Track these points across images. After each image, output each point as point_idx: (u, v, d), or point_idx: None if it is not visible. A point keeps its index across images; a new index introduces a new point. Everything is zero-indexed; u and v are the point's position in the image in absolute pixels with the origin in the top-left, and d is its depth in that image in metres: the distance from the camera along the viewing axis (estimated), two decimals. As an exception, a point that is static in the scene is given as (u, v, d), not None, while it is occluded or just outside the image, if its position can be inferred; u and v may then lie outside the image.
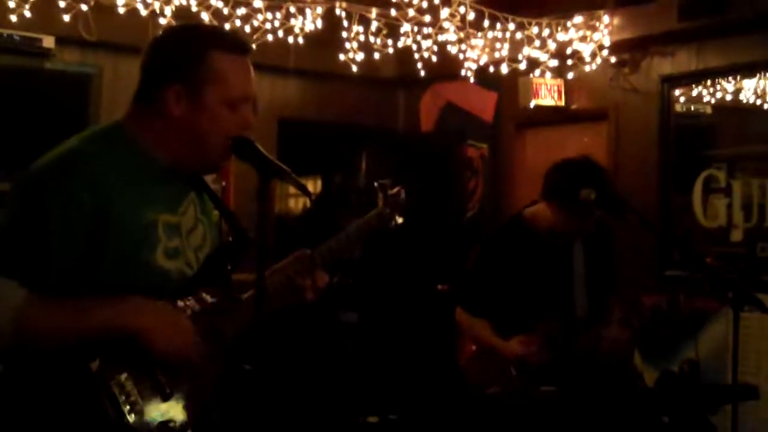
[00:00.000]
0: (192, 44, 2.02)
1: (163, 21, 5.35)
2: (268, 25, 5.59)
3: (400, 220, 2.58)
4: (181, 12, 5.34)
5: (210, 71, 1.98)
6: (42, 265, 1.83)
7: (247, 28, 5.52)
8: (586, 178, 3.30)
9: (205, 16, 5.36)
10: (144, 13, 5.34)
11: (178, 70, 1.99)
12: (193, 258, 2.10)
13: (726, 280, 3.05)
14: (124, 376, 1.85)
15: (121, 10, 5.32)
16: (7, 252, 1.83)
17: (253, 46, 5.55)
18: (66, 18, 5.27)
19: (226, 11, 5.38)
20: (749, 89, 5.36)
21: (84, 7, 5.26)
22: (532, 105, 6.26)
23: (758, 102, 5.31)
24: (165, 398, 1.90)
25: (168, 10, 5.33)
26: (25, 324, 1.79)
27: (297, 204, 9.04)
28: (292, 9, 5.56)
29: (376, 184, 2.60)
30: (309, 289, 2.21)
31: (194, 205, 2.14)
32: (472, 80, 6.31)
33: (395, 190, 2.58)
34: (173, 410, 1.92)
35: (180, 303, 2.00)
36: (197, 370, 1.97)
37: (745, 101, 5.39)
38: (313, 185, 9.26)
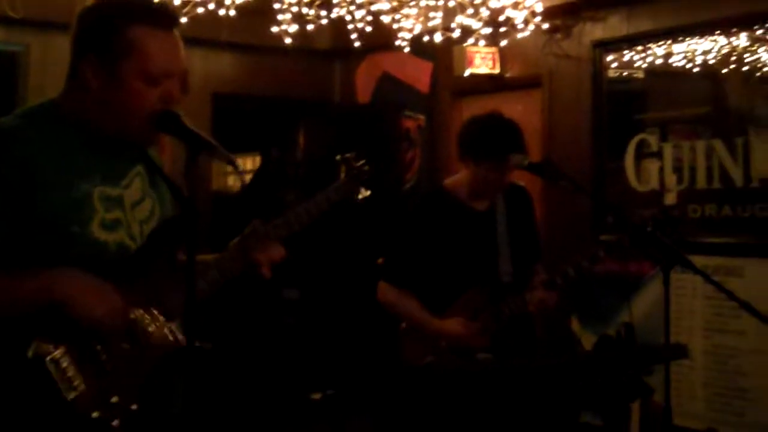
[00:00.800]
0: (110, 16, 1.99)
1: (88, -5, 5.22)
2: (198, -2, 5.49)
3: (367, 192, 2.61)
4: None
5: (126, 44, 1.95)
6: None
7: (177, 1, 5.41)
8: (500, 131, 3.44)
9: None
10: (68, -14, 5.21)
11: (94, 42, 1.97)
12: (137, 231, 2.08)
13: (656, 241, 3.10)
14: (59, 352, 1.84)
15: (46, -15, 5.20)
16: None
17: (184, 19, 5.48)
18: (-12, -5, 5.13)
19: (153, -16, 5.26)
20: (679, 53, 5.42)
21: (6, -17, 5.11)
22: (467, 74, 6.26)
23: (688, 65, 5.37)
24: (104, 372, 1.89)
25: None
26: None
27: (235, 181, 8.96)
28: (223, -19, 5.47)
29: (338, 157, 2.64)
30: (264, 263, 2.20)
31: (141, 178, 2.12)
32: (407, 50, 6.28)
33: (359, 163, 2.62)
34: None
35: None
36: (136, 342, 1.96)
37: (675, 65, 5.44)
38: (252, 161, 9.19)
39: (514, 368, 2.71)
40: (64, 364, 1.84)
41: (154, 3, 2.10)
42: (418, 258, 3.54)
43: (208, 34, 6.30)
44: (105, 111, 1.98)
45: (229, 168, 8.25)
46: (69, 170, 1.94)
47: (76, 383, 1.84)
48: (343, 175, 2.60)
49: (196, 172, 1.89)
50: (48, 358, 1.82)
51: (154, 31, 1.98)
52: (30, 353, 1.81)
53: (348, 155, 2.65)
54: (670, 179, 5.35)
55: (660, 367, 3.13)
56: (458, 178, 3.66)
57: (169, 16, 2.04)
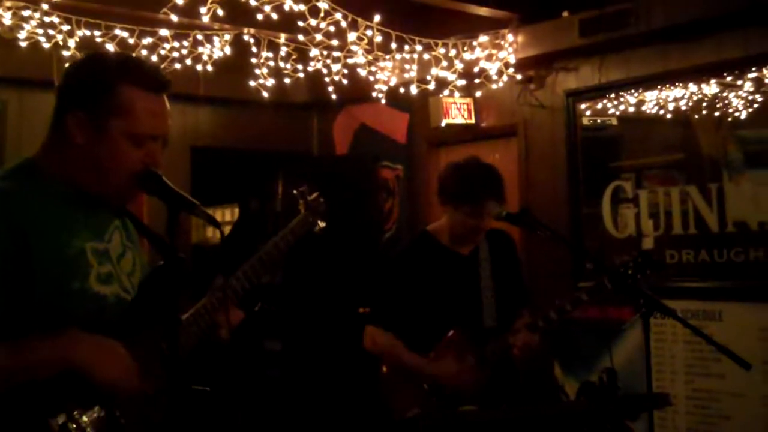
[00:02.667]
0: (101, 73, 2.00)
1: (66, 53, 5.26)
2: (175, 54, 5.55)
3: (322, 224, 2.63)
4: (85, 43, 5.25)
5: (116, 103, 1.97)
6: None
7: (155, 58, 5.46)
8: (476, 176, 3.50)
9: (110, 47, 5.29)
10: (47, 46, 5.24)
11: (83, 98, 1.98)
12: (127, 283, 2.09)
13: (633, 288, 3.13)
14: (76, 413, 1.84)
15: (24, 44, 5.22)
16: None
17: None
18: (-34, 54, 5.15)
19: (131, 41, 5.32)
20: (651, 101, 5.51)
21: (-16, 43, 5.14)
22: (443, 124, 6.33)
23: (661, 112, 5.46)
24: (120, 429, 1.90)
25: (72, 42, 5.24)
26: None
27: (215, 232, 8.95)
28: (200, 36, 5.53)
29: (294, 191, 2.66)
30: (223, 326, 2.19)
31: (120, 232, 2.13)
32: (383, 102, 6.36)
33: (314, 195, 2.64)
34: None
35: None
36: (145, 397, 1.97)
37: (648, 112, 5.53)
38: (231, 213, 9.19)
39: (501, 419, 2.71)
40: (83, 424, 1.84)
41: (147, 65, 2.12)
42: (402, 301, 3.56)
43: (186, 88, 6.34)
44: (88, 167, 1.98)
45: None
46: (60, 228, 1.94)
47: None
48: (302, 210, 2.63)
49: (177, 231, 1.92)
50: (66, 421, 1.82)
51: (145, 93, 2.00)
52: (60, 421, 1.80)
53: (302, 189, 2.68)
54: (647, 225, 5.41)
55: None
56: (440, 223, 3.71)
57: (161, 80, 2.06)
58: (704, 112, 5.25)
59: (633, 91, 5.56)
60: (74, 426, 1.82)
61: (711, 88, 5.21)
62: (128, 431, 1.91)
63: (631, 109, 5.61)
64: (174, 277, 1.95)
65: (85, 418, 1.85)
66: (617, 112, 5.69)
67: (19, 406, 1.81)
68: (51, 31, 5.18)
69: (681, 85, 5.32)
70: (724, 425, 4.96)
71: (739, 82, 5.08)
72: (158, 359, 2.00)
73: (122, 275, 2.09)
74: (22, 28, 5.12)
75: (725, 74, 5.12)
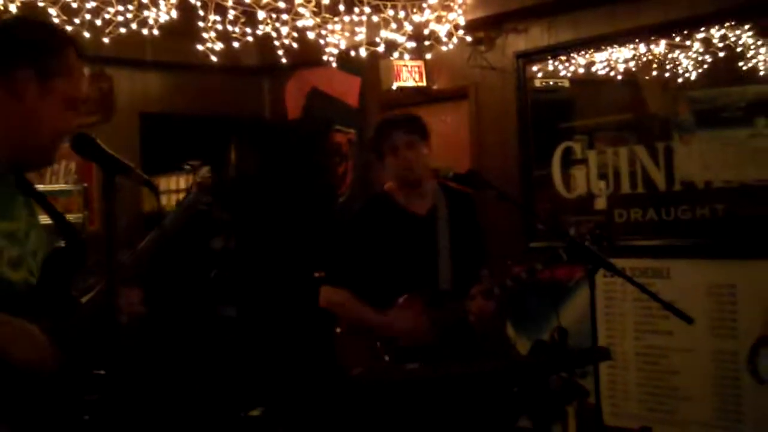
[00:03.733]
0: (50, 35, 2.05)
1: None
2: (120, 18, 5.43)
3: (209, 198, 2.59)
4: (27, 7, 5.12)
5: (63, 65, 2.01)
6: None
7: (99, 22, 5.35)
8: (382, 120, 3.83)
9: (53, 12, 5.17)
10: (-12, 9, 5.11)
11: (33, 55, 1.99)
12: (33, 264, 2.05)
13: (582, 248, 3.16)
14: None
15: (-38, 9, 5.09)
16: None
17: (106, 40, 5.42)
18: None
19: (75, 5, 5.21)
20: (601, 62, 5.53)
21: None
22: (394, 87, 6.30)
23: (611, 74, 5.49)
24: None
25: (13, 7, 5.10)
26: None
27: (169, 201, 8.86)
28: (145, 0, 5.42)
29: (187, 166, 2.62)
30: (123, 309, 2.11)
31: (24, 208, 2.09)
32: (334, 65, 6.30)
33: (203, 170, 2.59)
34: None
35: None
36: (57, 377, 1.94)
37: (598, 73, 5.55)
38: (185, 180, 9.09)
39: (442, 376, 2.73)
40: None
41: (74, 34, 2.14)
42: (358, 261, 3.57)
43: (132, 54, 6.25)
44: (23, 126, 1.98)
45: (170, 185, 8.21)
46: None
47: None
48: (193, 188, 2.58)
49: (113, 194, 1.91)
50: None
51: (80, 59, 2.06)
52: None
53: (194, 163, 2.64)
54: (597, 185, 5.45)
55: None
56: (391, 183, 3.74)
57: (84, 50, 2.12)
58: (653, 72, 5.28)
59: (582, 52, 5.57)
60: None
61: (659, 48, 5.24)
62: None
63: (581, 71, 5.63)
64: (75, 261, 1.98)
65: None
66: (568, 74, 5.71)
67: None
68: (-10, -5, 5.05)
69: (630, 45, 5.35)
70: (673, 379, 5.05)
71: (688, 43, 5.11)
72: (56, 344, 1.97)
73: (29, 256, 2.04)
74: (-40, -7, 4.99)
75: (673, 34, 5.15)
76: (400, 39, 5.87)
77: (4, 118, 1.98)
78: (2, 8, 5.10)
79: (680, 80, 5.17)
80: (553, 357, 3.04)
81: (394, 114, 3.78)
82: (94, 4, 5.25)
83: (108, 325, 1.94)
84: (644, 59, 5.33)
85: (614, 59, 5.48)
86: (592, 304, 3.02)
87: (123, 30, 5.48)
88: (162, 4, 5.46)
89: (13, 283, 1.95)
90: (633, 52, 5.36)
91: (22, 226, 2.05)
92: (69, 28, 5.26)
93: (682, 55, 5.16)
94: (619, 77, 5.46)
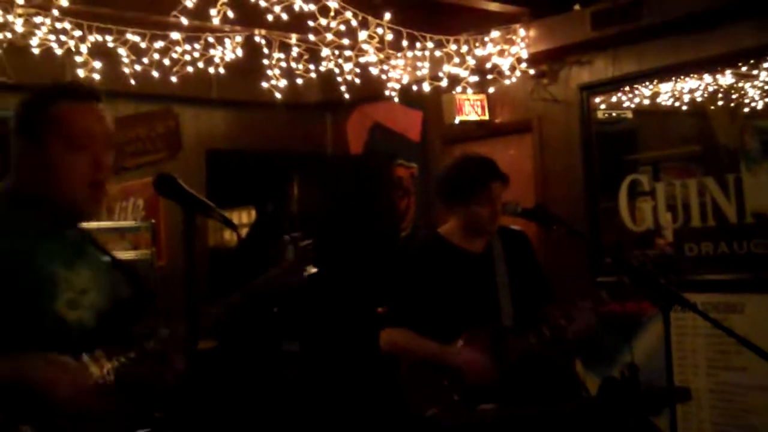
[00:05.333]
0: (36, 101, 2.11)
1: (79, 59, 5.27)
2: (187, 57, 5.55)
3: (313, 269, 2.60)
4: (97, 48, 5.27)
5: (49, 122, 2.06)
6: None
7: (167, 61, 5.47)
8: (475, 164, 3.54)
9: (123, 52, 5.29)
10: (59, 52, 5.25)
11: (24, 126, 2.09)
12: (91, 314, 2.11)
13: (653, 283, 3.10)
14: (26, 429, 1.84)
15: (37, 51, 5.23)
16: None
17: (174, 79, 5.53)
18: (-20, 62, 5.16)
19: (143, 45, 5.33)
20: (666, 93, 5.47)
21: (-2, 50, 5.15)
22: (457, 121, 6.30)
23: (676, 104, 5.42)
24: None
25: (84, 48, 5.25)
26: None
27: (232, 235, 8.94)
28: (211, 39, 5.52)
29: (287, 237, 2.62)
30: (169, 375, 2.16)
31: (88, 269, 2.16)
32: (396, 100, 6.34)
33: (305, 243, 2.60)
34: None
35: (85, 357, 1.98)
36: (102, 421, 1.96)
37: (663, 104, 5.49)
38: (248, 214, 9.19)
39: (520, 418, 2.69)
40: None
41: (75, 82, 2.21)
42: (418, 303, 3.53)
43: (199, 92, 6.37)
44: (45, 185, 2.06)
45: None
46: (34, 251, 2.00)
47: None
48: (290, 256, 2.59)
49: (193, 232, 1.93)
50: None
51: (76, 103, 2.10)
52: None
53: (295, 234, 2.65)
54: (665, 218, 5.36)
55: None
56: (449, 226, 3.67)
57: (88, 90, 2.16)
58: (720, 102, 5.21)
59: (647, 83, 5.52)
60: None
61: (726, 78, 5.16)
62: None
63: (646, 102, 5.57)
64: (140, 309, 2.02)
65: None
66: (632, 105, 5.65)
67: None
68: (63, 37, 5.19)
69: (695, 76, 5.28)
70: (749, 418, 4.91)
71: (755, 72, 5.04)
72: (112, 384, 2.01)
73: (87, 307, 2.11)
74: (35, 35, 5.13)
75: (740, 64, 5.07)
76: (462, 73, 5.88)
77: (31, 182, 2.08)
78: (73, 49, 5.24)
79: (747, 110, 5.09)
80: (632, 398, 2.97)
81: (480, 157, 3.65)
82: (162, 44, 5.37)
83: (187, 354, 1.98)
84: (710, 89, 5.26)
85: (679, 90, 5.41)
86: (666, 341, 2.95)
87: (190, 69, 5.59)
88: (228, 43, 5.56)
89: (66, 322, 2.02)
90: (699, 82, 5.30)
91: (81, 281, 2.12)
92: (138, 67, 5.39)
93: (749, 84, 5.08)
94: (685, 108, 5.39)
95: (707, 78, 5.24)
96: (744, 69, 5.08)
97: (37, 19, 5.02)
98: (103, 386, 1.97)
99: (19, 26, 4.99)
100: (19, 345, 1.90)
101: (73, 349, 1.98)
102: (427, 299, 3.52)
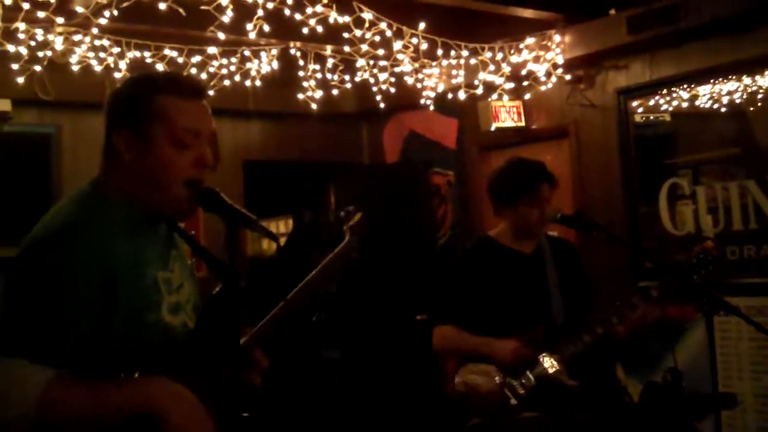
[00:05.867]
0: (139, 90, 2.04)
1: (118, 75, 5.34)
2: (224, 71, 5.62)
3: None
4: (136, 64, 5.34)
5: (154, 113, 1.99)
6: (56, 342, 1.80)
7: (204, 75, 5.54)
8: (524, 167, 3.62)
9: (161, 67, 5.36)
10: (98, 69, 5.33)
11: (125, 117, 2.01)
12: (189, 313, 2.11)
13: (696, 287, 3.08)
14: None
15: (76, 68, 5.32)
16: (20, 330, 1.81)
17: (211, 92, 5.59)
18: (21, 80, 5.25)
19: (181, 60, 5.39)
20: (705, 95, 5.42)
21: (38, 68, 5.23)
22: (493, 128, 6.29)
23: (715, 106, 5.37)
24: None
25: (123, 64, 5.32)
26: (48, 408, 1.75)
27: (270, 245, 9.00)
28: (247, 53, 5.59)
29: (342, 213, 2.64)
30: (254, 376, 2.16)
31: (180, 262, 2.15)
32: (431, 108, 6.35)
33: (357, 217, 2.62)
34: None
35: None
36: None
37: (701, 107, 5.44)
38: (285, 225, 9.25)
39: (565, 424, 2.68)
40: None
41: (182, 75, 2.15)
42: (470, 303, 3.55)
43: (235, 104, 6.42)
44: (142, 182, 2.00)
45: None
46: (136, 256, 1.95)
47: None
48: (347, 236, 2.60)
49: (236, 246, 1.92)
50: None
51: (182, 99, 2.03)
52: None
53: (349, 209, 2.66)
54: (706, 221, 5.31)
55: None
56: (499, 229, 3.71)
57: (195, 86, 2.09)
58: (759, 104, 5.15)
59: (685, 86, 5.47)
60: None
61: (765, 79, 5.10)
62: None
63: (685, 105, 5.53)
64: (235, 305, 1.94)
65: None
66: (670, 108, 5.61)
67: None
68: (102, 54, 5.27)
69: (734, 78, 5.23)
70: (794, 423, 4.85)
71: (794, 72, 4.98)
72: (217, 390, 1.98)
73: (185, 304, 2.10)
74: (74, 53, 5.22)
75: (779, 65, 5.02)
76: (498, 80, 5.88)
77: (124, 183, 2.02)
78: (112, 66, 5.32)
79: (787, 111, 5.03)
80: (677, 403, 2.95)
81: (529, 159, 3.69)
82: (199, 58, 5.43)
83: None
84: (749, 91, 5.20)
85: (718, 92, 5.36)
86: (711, 346, 2.94)
87: (227, 82, 5.66)
88: (264, 55, 5.62)
89: (173, 328, 2.00)
90: (737, 84, 5.24)
91: (177, 278, 2.10)
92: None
93: (788, 85, 5.02)
94: (724, 110, 5.34)
95: (746, 80, 5.19)
96: (783, 70, 5.03)
97: (76, 37, 5.10)
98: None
99: (59, 44, 5.07)
100: (128, 361, 1.87)
101: (180, 352, 1.97)
102: (480, 299, 3.54)
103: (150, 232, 2.06)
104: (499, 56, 5.80)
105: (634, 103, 5.73)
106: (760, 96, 5.14)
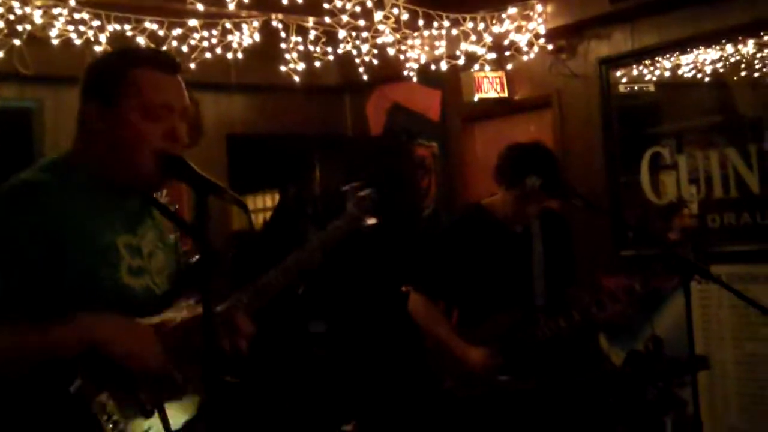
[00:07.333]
0: (113, 63, 2.07)
1: (98, 49, 5.30)
2: (205, 43, 5.58)
3: (372, 220, 2.63)
4: (116, 38, 5.29)
5: (127, 84, 2.01)
6: None
7: (185, 48, 5.50)
8: (532, 162, 3.47)
9: (141, 40, 5.32)
10: (78, 42, 5.29)
11: (98, 87, 2.04)
12: (158, 280, 2.12)
13: (676, 256, 3.10)
14: (104, 396, 1.85)
15: (56, 42, 5.27)
16: None
17: (192, 65, 5.56)
18: (0, 54, 5.20)
19: (161, 33, 5.35)
20: (687, 64, 5.42)
21: (17, 42, 5.19)
22: (476, 99, 6.29)
23: (698, 76, 5.37)
24: (146, 415, 1.91)
25: (103, 37, 5.28)
26: None
27: (256, 219, 9.00)
28: (228, 25, 5.55)
29: (345, 188, 2.66)
30: (239, 338, 2.16)
31: (153, 231, 2.17)
32: (414, 80, 6.33)
33: (365, 192, 2.64)
34: (156, 427, 1.93)
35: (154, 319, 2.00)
36: (176, 384, 1.98)
37: (684, 76, 5.44)
38: (271, 198, 9.23)
39: (536, 388, 2.70)
40: (109, 408, 1.84)
41: (156, 50, 2.17)
42: (452, 271, 3.56)
43: (217, 78, 6.38)
44: (113, 152, 2.02)
45: (250, 208, 8.33)
46: (91, 220, 1.97)
47: (120, 426, 1.85)
48: (349, 206, 2.62)
49: (205, 214, 1.91)
50: (94, 402, 1.83)
51: (154, 72, 2.05)
52: (72, 389, 1.81)
53: (354, 184, 2.68)
54: (688, 190, 5.33)
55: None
56: (496, 198, 3.70)
57: (169, 61, 2.11)
58: (742, 73, 5.16)
59: (667, 55, 5.47)
60: (97, 400, 1.84)
61: (747, 47, 5.11)
62: (149, 409, 1.93)
63: (667, 74, 5.53)
64: (208, 271, 1.93)
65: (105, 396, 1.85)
66: (653, 78, 5.61)
67: (44, 384, 1.83)
68: (82, 28, 5.22)
69: (716, 46, 5.23)
70: (775, 389, 4.90)
71: (776, 41, 4.98)
72: (190, 351, 2.00)
73: (154, 273, 2.11)
74: (53, 26, 5.17)
75: (761, 33, 5.02)
76: (480, 51, 5.87)
77: (94, 153, 2.04)
78: (92, 39, 5.27)
79: (769, 80, 5.04)
80: (648, 367, 2.98)
81: (533, 153, 3.57)
82: (180, 31, 5.40)
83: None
84: (732, 60, 5.20)
85: (700, 61, 5.36)
86: (688, 313, 2.96)
87: (208, 55, 5.62)
88: (245, 28, 5.58)
89: (131, 289, 2.02)
90: (720, 53, 5.24)
91: (148, 245, 2.13)
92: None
93: (771, 54, 5.03)
94: (707, 79, 5.34)
95: (728, 48, 5.19)
96: (766, 38, 5.02)
97: (56, 11, 5.06)
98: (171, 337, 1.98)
99: (37, 18, 5.03)
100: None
101: (140, 311, 1.98)
102: (463, 273, 3.56)
103: (116, 199, 2.07)
104: (481, 26, 5.78)
105: (617, 73, 5.72)
106: (742, 65, 5.14)
